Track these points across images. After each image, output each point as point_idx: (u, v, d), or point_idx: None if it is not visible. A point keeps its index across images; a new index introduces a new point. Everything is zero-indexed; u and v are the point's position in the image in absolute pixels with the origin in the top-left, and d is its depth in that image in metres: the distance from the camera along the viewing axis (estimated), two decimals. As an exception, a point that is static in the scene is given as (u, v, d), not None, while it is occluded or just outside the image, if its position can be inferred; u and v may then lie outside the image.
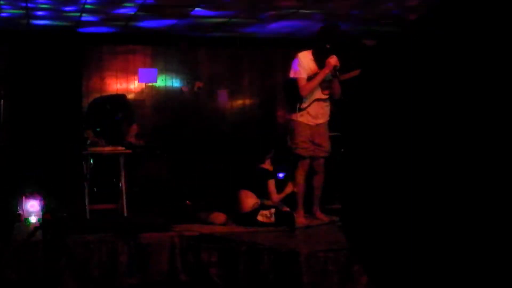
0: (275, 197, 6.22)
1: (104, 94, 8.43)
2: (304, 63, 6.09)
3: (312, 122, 6.17)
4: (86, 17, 7.50)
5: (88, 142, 6.58)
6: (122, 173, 6.34)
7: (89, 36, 8.60)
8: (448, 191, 0.84)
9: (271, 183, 6.30)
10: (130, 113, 7.23)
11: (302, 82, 6.05)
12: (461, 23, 0.85)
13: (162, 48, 9.10)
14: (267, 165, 6.49)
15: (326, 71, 6.02)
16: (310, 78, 6.08)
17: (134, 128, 7.14)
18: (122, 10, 7.22)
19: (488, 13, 0.82)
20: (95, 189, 6.70)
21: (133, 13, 7.32)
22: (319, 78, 6.04)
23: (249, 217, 5.94)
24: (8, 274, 4.84)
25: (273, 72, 9.43)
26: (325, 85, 6.17)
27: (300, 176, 6.21)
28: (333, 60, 5.99)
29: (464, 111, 0.82)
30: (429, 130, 0.85)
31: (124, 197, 6.28)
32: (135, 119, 7.31)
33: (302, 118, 6.14)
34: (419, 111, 0.87)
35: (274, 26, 8.16)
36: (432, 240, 0.86)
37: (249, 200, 6.11)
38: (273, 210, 5.94)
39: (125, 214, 6.22)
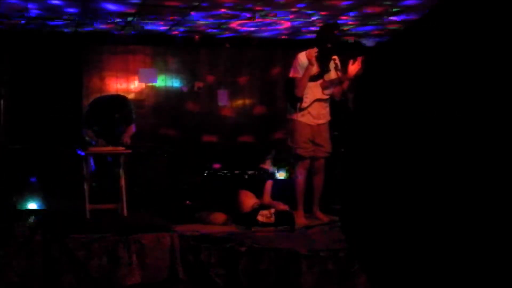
0: (267, 198, 6.24)
1: (104, 94, 8.43)
2: (304, 63, 6.09)
3: (313, 122, 6.17)
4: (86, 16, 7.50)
5: (93, 142, 6.58)
6: (122, 173, 6.34)
7: (89, 36, 8.61)
8: (448, 192, 0.84)
9: (269, 184, 6.31)
10: (129, 113, 7.23)
11: (298, 82, 6.06)
12: (463, 23, 0.85)
13: (162, 48, 9.11)
14: (267, 165, 6.50)
15: (310, 66, 6.00)
16: (311, 78, 6.08)
17: (132, 129, 7.13)
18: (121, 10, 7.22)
19: (490, 14, 0.82)
20: (94, 184, 6.70)
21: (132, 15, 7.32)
22: (306, 75, 6.02)
23: (249, 217, 5.94)
24: (8, 274, 4.84)
25: (273, 72, 9.44)
26: (326, 85, 6.17)
27: (300, 176, 6.21)
28: (311, 51, 5.96)
29: (465, 111, 0.82)
30: (429, 131, 0.85)
31: (124, 197, 6.28)
32: (134, 119, 7.30)
33: (303, 118, 6.14)
34: (420, 111, 0.87)
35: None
36: (432, 240, 0.86)
37: (249, 200, 6.11)
38: (273, 210, 5.94)
39: (125, 214, 6.22)
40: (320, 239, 5.41)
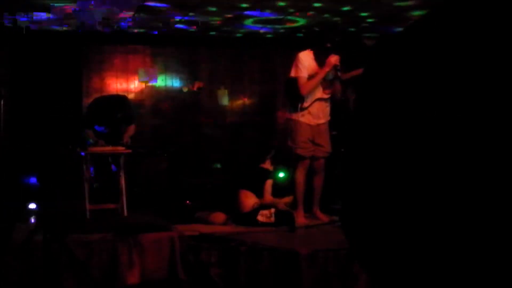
0: (268, 197, 6.24)
1: (104, 94, 8.43)
2: (305, 62, 6.08)
3: (313, 122, 6.16)
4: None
5: (89, 142, 6.58)
6: (122, 173, 6.34)
7: (89, 36, 8.60)
8: (448, 191, 0.84)
9: (269, 183, 6.32)
10: (129, 113, 7.22)
11: (302, 81, 6.05)
12: (464, 23, 0.85)
13: (162, 48, 9.11)
14: (267, 165, 6.49)
15: (326, 69, 6.02)
16: (311, 78, 6.08)
17: (131, 129, 7.13)
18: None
19: (491, 14, 0.82)
20: (94, 186, 6.70)
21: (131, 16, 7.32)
22: (319, 77, 6.04)
23: (249, 217, 5.94)
24: (8, 274, 4.84)
25: (273, 72, 9.43)
26: (326, 84, 6.16)
27: (300, 176, 6.21)
28: (333, 58, 5.99)
29: (466, 111, 0.82)
30: (430, 130, 0.85)
31: (124, 197, 6.28)
32: (134, 119, 7.30)
33: (303, 118, 6.13)
34: (421, 111, 0.87)
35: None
36: (433, 240, 0.86)
37: (249, 200, 6.11)
38: (273, 210, 5.94)
39: (125, 214, 6.22)
40: (320, 239, 5.40)
